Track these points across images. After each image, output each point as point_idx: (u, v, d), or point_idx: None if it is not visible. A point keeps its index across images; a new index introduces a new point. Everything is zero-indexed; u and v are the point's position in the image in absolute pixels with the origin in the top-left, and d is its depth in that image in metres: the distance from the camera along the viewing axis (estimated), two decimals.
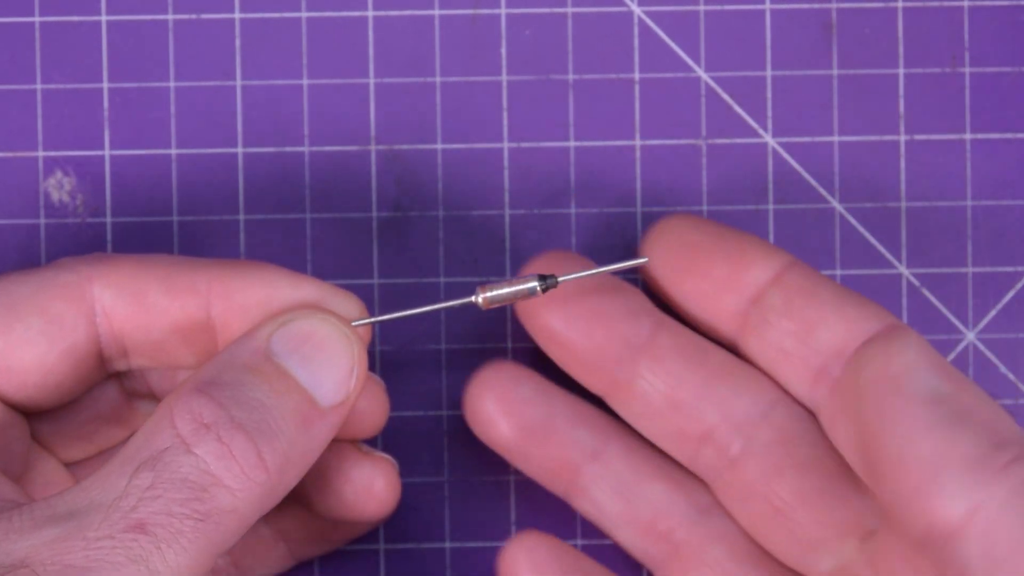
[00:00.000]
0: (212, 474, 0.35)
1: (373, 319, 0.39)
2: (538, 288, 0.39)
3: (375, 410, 0.41)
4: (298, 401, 0.36)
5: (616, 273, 0.41)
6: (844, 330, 0.40)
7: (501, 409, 0.42)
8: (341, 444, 0.41)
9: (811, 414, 0.41)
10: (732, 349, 0.42)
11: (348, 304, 0.39)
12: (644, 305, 0.42)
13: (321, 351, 0.37)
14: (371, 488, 0.41)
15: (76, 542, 0.33)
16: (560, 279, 0.39)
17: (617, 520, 0.42)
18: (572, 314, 0.41)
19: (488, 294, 0.39)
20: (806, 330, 0.40)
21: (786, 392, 0.42)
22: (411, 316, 0.40)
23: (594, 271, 0.40)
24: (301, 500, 0.41)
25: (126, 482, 0.34)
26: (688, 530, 0.42)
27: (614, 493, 0.42)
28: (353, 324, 0.38)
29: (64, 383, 0.39)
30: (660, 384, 0.41)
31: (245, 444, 0.35)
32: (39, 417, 0.40)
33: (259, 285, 0.38)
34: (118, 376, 0.41)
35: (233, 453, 0.35)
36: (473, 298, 0.39)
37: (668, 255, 0.42)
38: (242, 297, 0.38)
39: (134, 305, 0.38)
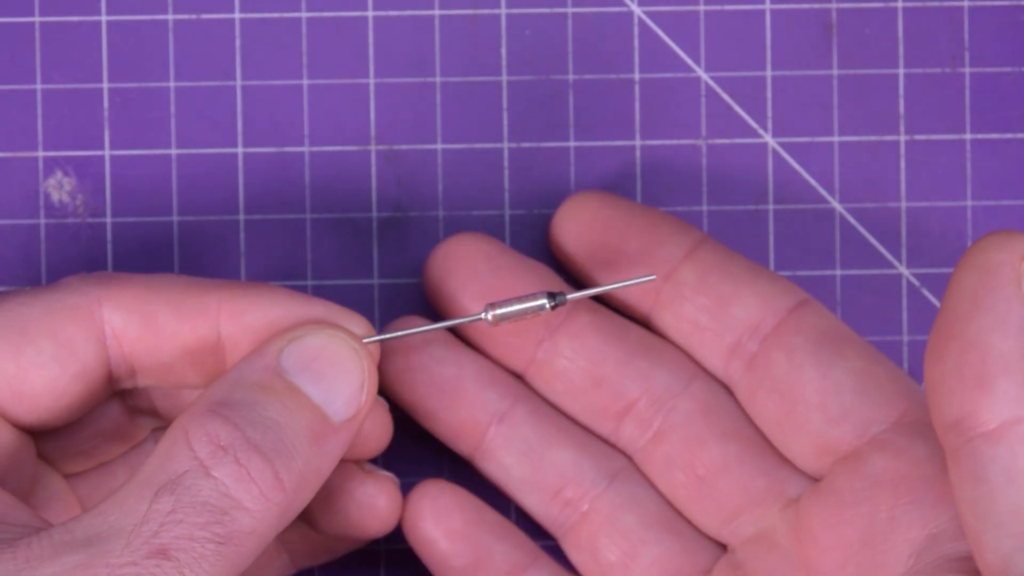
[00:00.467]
0: (232, 497, 0.35)
1: (382, 336, 0.39)
2: (547, 305, 0.39)
3: (378, 431, 0.41)
4: (311, 418, 0.36)
5: (624, 288, 0.41)
6: (757, 305, 0.41)
7: (409, 365, 0.42)
8: (344, 463, 0.41)
9: (727, 388, 0.42)
10: (646, 326, 0.43)
11: (355, 324, 0.39)
12: (557, 285, 0.42)
13: (332, 366, 0.37)
14: (374, 507, 0.41)
15: (100, 569, 0.33)
16: (568, 296, 0.39)
17: (522, 484, 0.42)
18: (488, 297, 0.41)
19: (498, 311, 0.39)
20: (720, 305, 0.41)
21: (702, 366, 0.42)
22: (421, 333, 0.40)
23: (601, 288, 0.40)
24: (305, 517, 0.41)
25: (146, 507, 0.34)
26: (597, 497, 0.42)
27: (520, 456, 0.42)
28: (364, 341, 0.38)
29: (74, 405, 0.38)
30: (581, 361, 0.42)
31: (262, 465, 0.35)
32: (44, 435, 0.40)
33: (269, 306, 0.38)
34: (122, 393, 0.41)
35: (251, 475, 0.35)
36: (483, 315, 0.39)
37: (580, 233, 0.42)
38: (252, 319, 0.38)
39: (144, 328, 0.38)
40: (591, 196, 0.43)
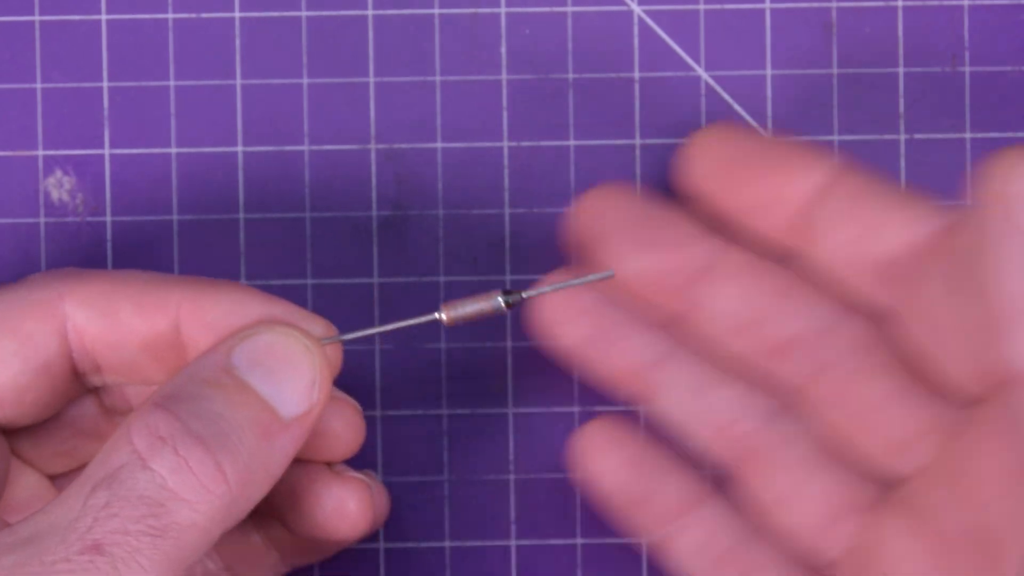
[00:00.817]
0: (169, 488, 0.34)
1: (339, 337, 0.39)
2: (502, 303, 0.39)
3: (347, 432, 0.40)
4: (258, 413, 0.36)
5: (584, 284, 0.40)
6: (907, 232, 0.39)
7: (565, 317, 0.42)
8: (313, 465, 0.40)
9: (880, 320, 0.41)
10: (790, 261, 0.42)
11: (315, 325, 0.38)
12: (698, 230, 0.42)
13: (282, 363, 0.37)
14: (342, 509, 0.40)
15: (34, 567, 0.33)
16: (524, 294, 0.39)
17: (690, 424, 0.42)
18: (631, 248, 0.41)
19: (452, 312, 0.39)
20: (867, 235, 0.40)
21: (853, 300, 0.41)
22: (377, 334, 0.40)
23: (559, 285, 0.39)
24: (279, 518, 0.41)
25: (83, 503, 0.34)
26: (762, 432, 0.42)
27: (686, 396, 0.42)
28: (322, 342, 0.38)
29: (40, 400, 0.38)
30: (736, 301, 0.41)
31: (203, 456, 0.35)
32: (18, 433, 0.39)
33: (229, 304, 0.38)
34: (96, 391, 0.40)
35: (191, 466, 0.35)
36: (436, 315, 0.39)
37: (711, 169, 0.41)
38: (212, 316, 0.38)
39: (105, 323, 0.38)
40: (720, 129, 0.41)
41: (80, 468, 0.41)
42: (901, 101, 0.45)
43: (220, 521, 0.35)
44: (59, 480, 0.41)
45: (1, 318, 0.38)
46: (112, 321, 0.38)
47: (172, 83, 0.44)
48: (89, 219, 0.44)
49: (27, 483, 0.40)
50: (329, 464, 0.40)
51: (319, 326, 0.38)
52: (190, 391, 0.36)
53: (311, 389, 0.37)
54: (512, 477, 0.45)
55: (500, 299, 0.39)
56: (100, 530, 0.34)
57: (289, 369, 0.37)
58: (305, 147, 0.45)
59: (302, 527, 0.40)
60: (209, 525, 0.35)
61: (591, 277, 0.39)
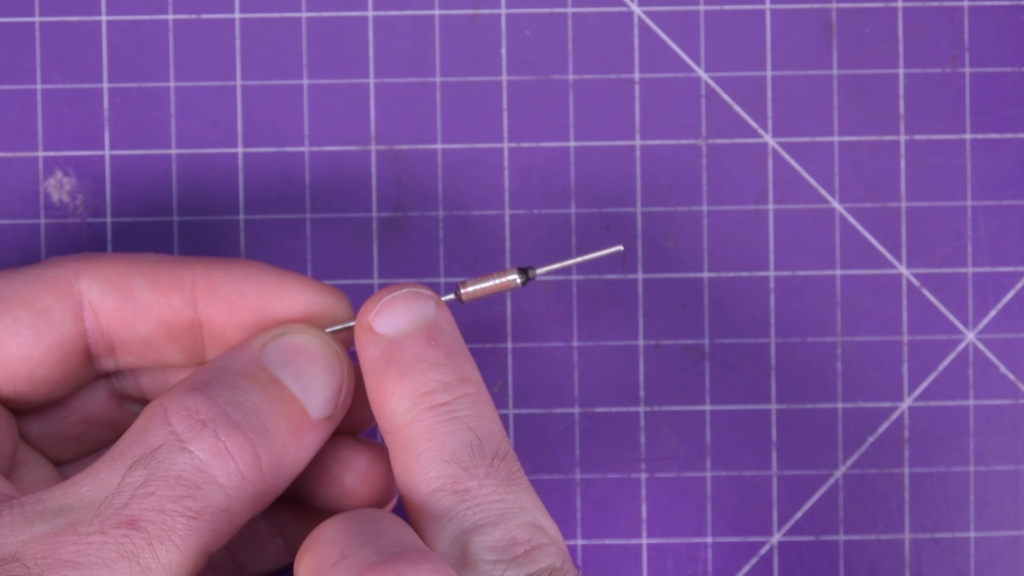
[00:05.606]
0: (207, 472, 0.35)
1: (354, 324, 0.39)
2: (518, 280, 0.39)
3: (367, 404, 0.41)
4: (291, 408, 0.37)
5: (593, 260, 0.41)
6: None
7: None
8: (339, 436, 0.41)
9: None
10: None
11: (332, 301, 0.39)
12: None
13: (313, 366, 0.38)
14: (370, 473, 0.40)
15: (68, 537, 0.34)
16: (539, 271, 0.40)
17: None
18: None
19: (468, 289, 0.40)
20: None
21: None
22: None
23: (571, 261, 0.40)
24: (301, 496, 0.41)
25: (119, 479, 0.35)
26: None
27: None
28: (332, 328, 0.39)
29: (52, 377, 0.39)
30: None
31: (242, 442, 0.36)
32: (29, 417, 0.40)
33: (243, 280, 0.39)
34: (108, 377, 0.41)
35: (230, 450, 0.35)
36: (453, 295, 0.40)
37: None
38: (226, 290, 0.39)
39: (120, 301, 0.39)
40: None
41: (89, 455, 0.41)
42: (901, 101, 0.45)
43: (250, 508, 0.36)
44: (65, 468, 0.41)
45: (16, 293, 0.38)
46: (127, 298, 0.39)
47: (172, 84, 0.44)
48: (89, 220, 0.44)
49: (34, 467, 0.40)
50: (352, 434, 0.41)
51: (337, 302, 0.39)
52: (225, 380, 0.37)
53: (338, 394, 0.38)
54: None
55: (516, 276, 0.39)
56: (137, 507, 0.34)
57: (319, 372, 0.38)
58: (305, 148, 0.45)
59: (329, 497, 0.41)
60: (240, 511, 0.36)
61: (601, 253, 0.40)
